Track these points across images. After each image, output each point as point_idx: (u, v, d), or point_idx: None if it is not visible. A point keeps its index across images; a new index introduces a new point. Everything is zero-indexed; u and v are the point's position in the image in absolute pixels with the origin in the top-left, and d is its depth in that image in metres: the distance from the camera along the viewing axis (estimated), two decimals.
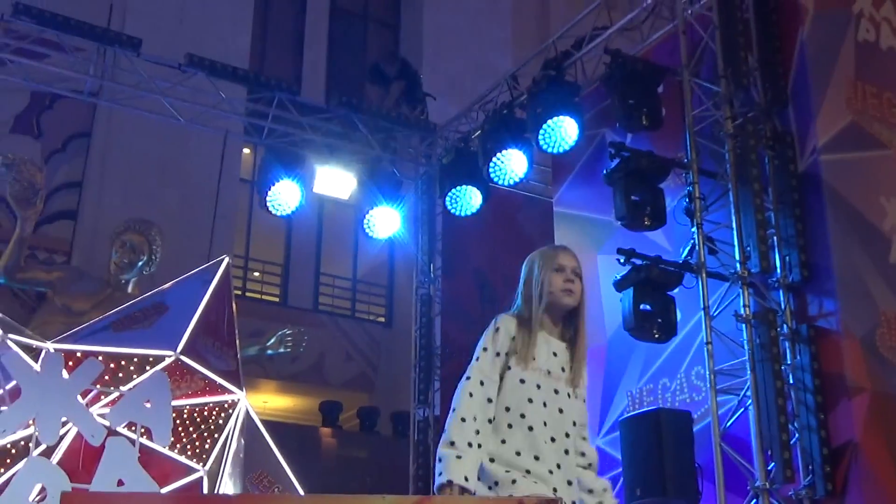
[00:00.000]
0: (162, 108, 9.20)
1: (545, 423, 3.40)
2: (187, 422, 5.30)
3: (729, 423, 6.75)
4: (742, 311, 6.74)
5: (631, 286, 6.94)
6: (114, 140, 12.73)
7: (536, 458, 3.33)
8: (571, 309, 3.64)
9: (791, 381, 6.62)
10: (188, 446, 5.17)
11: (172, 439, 4.90)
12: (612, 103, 7.72)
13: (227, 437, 5.31)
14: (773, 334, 6.59)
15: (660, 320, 6.95)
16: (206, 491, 5.04)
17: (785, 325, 6.74)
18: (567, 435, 3.45)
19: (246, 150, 13.80)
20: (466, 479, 3.24)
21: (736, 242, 6.91)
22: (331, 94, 12.35)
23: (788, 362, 6.66)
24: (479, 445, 3.34)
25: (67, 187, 12.58)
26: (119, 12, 13.24)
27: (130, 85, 8.99)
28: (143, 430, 4.73)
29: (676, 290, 7.06)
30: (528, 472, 3.31)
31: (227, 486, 5.24)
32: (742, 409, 6.70)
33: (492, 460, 3.33)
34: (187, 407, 5.32)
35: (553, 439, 3.40)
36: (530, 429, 3.37)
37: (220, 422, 5.34)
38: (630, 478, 6.64)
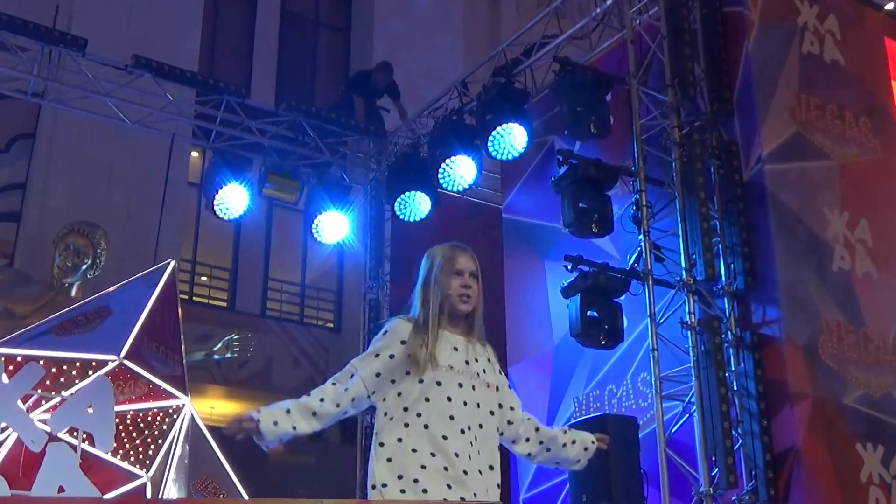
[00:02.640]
0: (108, 110, 9.09)
1: (451, 417, 3.38)
2: (130, 427, 5.24)
3: (674, 429, 6.80)
4: (687, 319, 6.80)
5: (578, 293, 6.97)
6: (59, 141, 12.55)
7: (433, 454, 3.32)
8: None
9: (735, 388, 6.68)
10: (131, 452, 5.12)
11: (115, 445, 4.85)
12: (561, 111, 7.75)
13: (172, 443, 5.26)
14: (718, 341, 6.65)
15: (606, 327, 6.98)
16: (149, 497, 4.99)
17: (729, 333, 6.81)
18: (480, 426, 3.45)
19: (194, 154, 13.67)
20: (258, 412, 3.46)
21: (682, 250, 6.97)
22: (280, 98, 12.30)
23: (732, 369, 6.72)
24: (288, 411, 3.49)
25: (10, 189, 12.37)
26: (65, 13, 13.06)
27: (76, 85, 8.88)
28: (85, 436, 4.68)
29: (623, 297, 7.10)
30: (423, 467, 3.30)
31: (172, 493, 5.19)
32: (687, 416, 6.75)
33: (388, 460, 3.35)
34: (131, 412, 5.27)
35: (462, 431, 3.38)
36: (426, 426, 3.36)
37: (165, 427, 5.29)
38: (576, 484, 6.66)
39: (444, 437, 3.34)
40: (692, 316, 6.81)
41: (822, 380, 6.71)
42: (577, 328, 6.94)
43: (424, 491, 3.26)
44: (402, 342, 3.49)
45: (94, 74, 8.83)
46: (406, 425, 3.38)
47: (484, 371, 3.54)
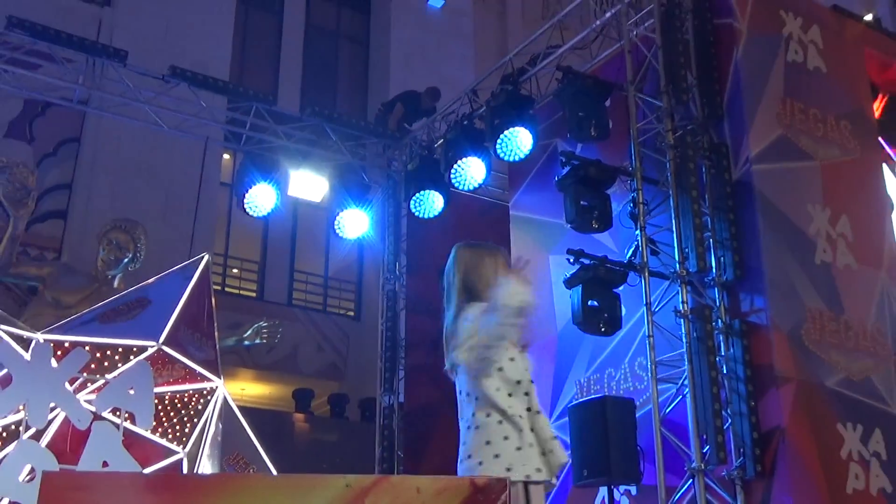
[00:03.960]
0: (147, 116, 9.12)
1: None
2: (168, 407, 5.27)
3: (668, 410, 6.79)
4: (681, 307, 6.79)
5: (580, 284, 6.96)
6: (102, 145, 12.60)
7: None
8: None
9: (724, 372, 6.67)
10: (169, 430, 5.14)
11: (154, 424, 4.87)
12: (564, 116, 7.74)
13: (206, 421, 5.28)
14: (709, 328, 6.64)
15: (606, 315, 6.98)
16: (185, 471, 5.01)
17: (719, 321, 6.79)
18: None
19: (226, 156, 13.71)
20: None
21: (675, 244, 6.96)
22: (305, 105, 12.30)
23: (722, 354, 6.71)
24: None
25: (58, 189, 12.43)
26: (107, 26, 13.10)
27: (117, 94, 8.90)
28: (127, 415, 4.70)
29: (621, 288, 7.09)
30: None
31: (206, 467, 5.21)
32: (680, 397, 6.74)
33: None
34: (168, 394, 5.29)
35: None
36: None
37: (200, 407, 5.30)
38: (578, 460, 6.66)
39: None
40: (685, 305, 6.80)
41: (805, 364, 6.69)
42: (579, 316, 6.94)
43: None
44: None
45: (134, 83, 8.86)
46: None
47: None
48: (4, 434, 4.73)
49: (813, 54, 7.87)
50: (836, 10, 8.41)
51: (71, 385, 4.77)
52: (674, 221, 6.99)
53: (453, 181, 8.83)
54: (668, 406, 6.80)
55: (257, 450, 5.73)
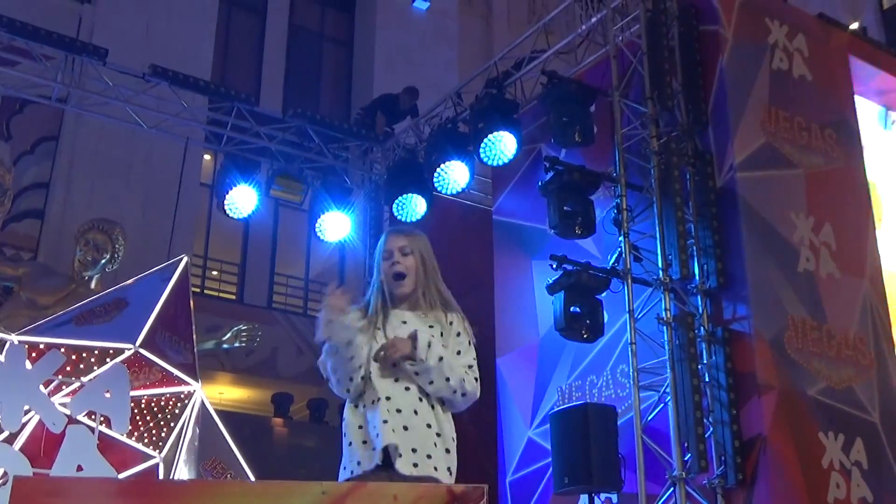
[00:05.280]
0: (126, 115, 9.06)
1: (407, 389, 3.21)
2: (145, 411, 5.23)
3: (650, 417, 6.80)
4: (663, 315, 6.80)
5: (562, 290, 6.96)
6: (80, 144, 12.52)
7: (385, 420, 3.16)
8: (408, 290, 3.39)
9: (707, 379, 6.69)
10: (145, 434, 5.11)
11: (130, 427, 4.84)
12: (548, 120, 7.75)
13: (183, 426, 5.25)
14: (691, 336, 6.66)
15: (588, 321, 6.98)
16: (161, 476, 4.98)
17: (702, 328, 6.81)
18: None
19: (206, 157, 13.64)
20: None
21: (659, 251, 6.98)
22: (287, 106, 12.28)
23: (704, 362, 6.72)
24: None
25: (35, 188, 12.34)
26: (87, 24, 13.02)
27: (96, 92, 8.85)
28: (102, 419, 4.67)
29: (604, 294, 7.09)
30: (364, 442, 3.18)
31: (182, 473, 5.19)
32: (662, 405, 6.76)
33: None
34: (145, 397, 5.26)
35: (421, 399, 3.22)
36: (388, 398, 3.21)
37: (177, 411, 5.28)
38: (559, 467, 6.66)
39: (399, 411, 3.21)
40: (668, 312, 6.81)
41: (787, 372, 6.72)
42: (561, 322, 6.94)
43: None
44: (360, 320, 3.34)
45: (114, 82, 8.81)
46: (373, 402, 3.24)
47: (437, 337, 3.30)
48: None
49: (798, 62, 7.92)
50: (822, 18, 8.47)
51: (46, 388, 4.73)
52: (657, 228, 7.01)
53: (436, 185, 8.83)
54: (650, 414, 6.81)
55: (235, 455, 5.70)
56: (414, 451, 3.14)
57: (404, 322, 3.34)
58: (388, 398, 3.21)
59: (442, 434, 3.22)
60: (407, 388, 3.23)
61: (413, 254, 3.43)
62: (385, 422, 3.15)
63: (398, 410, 3.19)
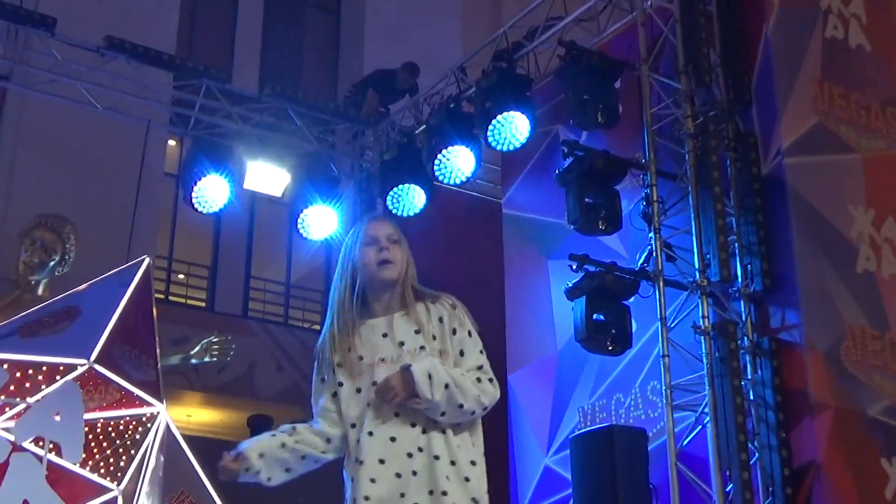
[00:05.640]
0: (79, 95, 9.07)
1: (396, 414, 3.21)
2: (101, 437, 5.22)
3: (686, 442, 6.81)
4: (701, 323, 6.81)
5: (583, 295, 6.96)
6: (25, 128, 12.52)
7: (381, 461, 3.18)
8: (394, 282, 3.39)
9: (751, 398, 6.69)
10: (101, 464, 5.09)
11: (84, 456, 4.83)
12: (566, 99, 7.75)
13: (145, 453, 5.24)
14: (733, 347, 6.66)
15: (614, 331, 6.99)
16: None
17: (745, 338, 6.81)
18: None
19: (171, 142, 13.65)
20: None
21: (695, 249, 6.98)
22: (264, 83, 12.25)
23: (749, 377, 6.73)
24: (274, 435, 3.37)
25: None
26: None
27: (44, 68, 8.85)
28: (51, 446, 4.66)
29: (632, 300, 7.10)
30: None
31: None
32: (699, 427, 6.76)
33: (366, 498, 3.18)
34: (101, 420, 5.24)
35: (413, 424, 3.21)
36: (370, 434, 3.21)
37: (138, 437, 5.26)
38: (580, 499, 6.66)
39: (392, 440, 3.22)
40: (706, 320, 6.81)
41: (844, 389, 6.72)
42: (583, 332, 6.94)
43: None
44: (327, 355, 3.38)
45: (64, 56, 8.80)
46: (357, 441, 3.25)
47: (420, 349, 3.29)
48: None
49: (855, 30, 7.91)
50: None
51: None
52: (693, 222, 7.02)
53: (437, 174, 8.82)
54: (686, 437, 6.81)
55: (205, 487, 5.69)
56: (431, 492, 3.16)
57: (384, 335, 3.33)
58: (380, 461, 3.21)
59: (457, 462, 3.22)
60: (407, 424, 3.24)
61: (400, 243, 3.46)
62: (372, 480, 3.18)
63: (381, 461, 3.20)
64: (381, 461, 3.19)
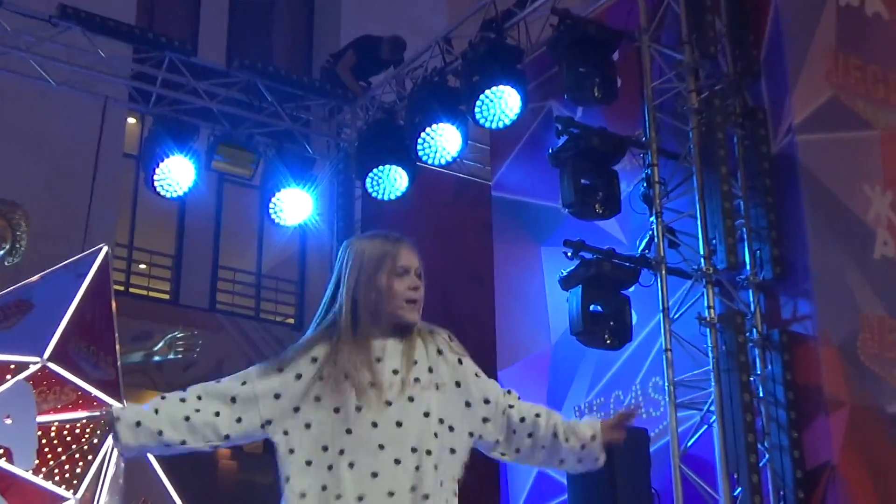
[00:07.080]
0: (29, 69, 9.05)
1: (381, 447, 3.15)
2: (55, 441, 5.21)
3: (690, 443, 6.83)
4: (706, 314, 6.82)
5: (579, 284, 6.97)
6: None
7: (360, 498, 3.11)
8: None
9: (761, 395, 6.72)
10: (56, 470, 5.09)
11: (37, 462, 4.82)
12: (560, 72, 7.75)
13: (104, 459, 5.23)
14: (741, 340, 6.67)
15: (612, 324, 7.00)
16: None
17: (755, 330, 6.84)
18: (425, 449, 3.19)
19: (131, 120, 13.61)
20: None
21: (700, 234, 6.99)
22: (232, 56, 12.23)
23: (758, 372, 6.76)
24: (157, 411, 3.41)
25: None
26: None
27: None
28: (1, 452, 4.65)
29: (632, 289, 7.12)
30: None
31: None
32: (705, 427, 6.78)
33: None
34: (56, 423, 5.23)
35: (398, 461, 3.15)
36: (351, 465, 3.15)
37: (96, 441, 5.25)
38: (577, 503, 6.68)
39: (374, 475, 3.14)
40: (712, 311, 6.83)
41: (861, 385, 6.75)
42: (579, 325, 6.95)
43: None
44: (314, 359, 3.29)
45: (13, 27, 8.77)
46: (330, 468, 3.17)
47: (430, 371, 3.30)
48: None
49: None
50: None
51: None
52: (698, 206, 7.03)
53: (420, 154, 8.82)
54: (690, 438, 6.84)
55: (170, 496, 5.69)
56: None
57: (378, 359, 3.27)
58: (359, 498, 3.17)
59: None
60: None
61: (422, 279, 3.41)
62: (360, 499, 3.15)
63: (359, 498, 3.19)
64: (360, 498, 3.13)
